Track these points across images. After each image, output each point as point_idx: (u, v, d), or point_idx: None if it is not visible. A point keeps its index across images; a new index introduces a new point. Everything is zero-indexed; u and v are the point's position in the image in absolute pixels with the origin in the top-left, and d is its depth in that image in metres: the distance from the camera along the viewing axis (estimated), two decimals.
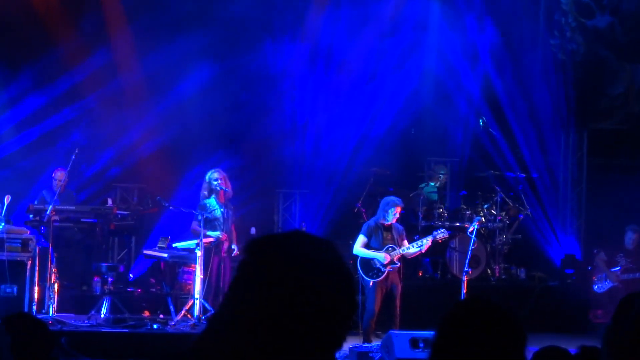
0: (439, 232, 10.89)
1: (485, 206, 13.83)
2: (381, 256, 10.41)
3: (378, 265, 10.44)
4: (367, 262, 10.47)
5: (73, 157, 11.84)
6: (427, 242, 10.61)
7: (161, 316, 11.08)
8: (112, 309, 11.00)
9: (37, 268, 10.72)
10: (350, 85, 14.78)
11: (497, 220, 13.78)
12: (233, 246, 11.37)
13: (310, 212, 14.65)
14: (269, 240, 1.87)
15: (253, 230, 13.01)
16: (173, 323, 10.59)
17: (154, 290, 12.31)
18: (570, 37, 15.36)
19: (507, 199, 14.03)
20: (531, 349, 3.46)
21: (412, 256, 10.82)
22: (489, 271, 13.57)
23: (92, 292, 11.55)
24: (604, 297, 12.86)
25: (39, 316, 9.82)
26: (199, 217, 11.02)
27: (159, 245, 11.45)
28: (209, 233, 11.08)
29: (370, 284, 10.40)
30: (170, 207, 11.70)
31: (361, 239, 10.57)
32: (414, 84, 14.91)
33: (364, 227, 10.68)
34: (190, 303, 10.73)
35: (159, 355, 8.62)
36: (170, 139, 14.08)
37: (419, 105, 14.96)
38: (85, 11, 14.07)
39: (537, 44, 15.44)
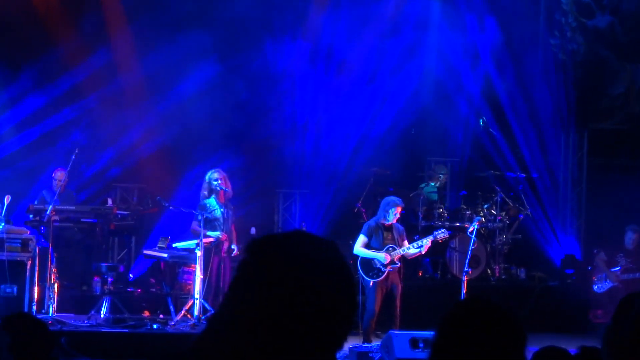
0: (440, 232, 10.89)
1: (485, 206, 13.83)
2: (381, 256, 10.41)
3: (378, 265, 10.44)
4: (368, 262, 10.48)
5: (73, 157, 11.84)
6: (427, 242, 10.61)
7: (161, 316, 11.08)
8: (112, 309, 11.00)
9: (37, 268, 10.72)
10: (350, 85, 14.78)
11: (497, 220, 13.78)
12: (233, 246, 11.37)
13: (310, 212, 14.66)
14: (269, 240, 1.87)
15: (253, 230, 13.01)
16: (173, 323, 10.59)
17: (153, 290, 12.31)
18: (570, 37, 15.36)
19: (507, 199, 14.03)
20: (531, 349, 3.46)
21: (412, 257, 10.82)
22: (489, 271, 13.57)
23: (92, 292, 11.54)
24: (604, 297, 12.86)
25: (39, 316, 9.82)
26: (199, 217, 11.02)
27: (159, 245, 11.45)
28: (209, 233, 11.08)
29: (371, 284, 10.40)
30: (170, 207, 11.69)
31: (361, 239, 10.57)
32: (414, 84, 14.91)
33: (365, 227, 10.68)
34: (190, 303, 10.73)
35: (158, 355, 8.62)
36: (170, 139, 14.09)
37: (419, 105, 14.96)
38: (86, 11, 14.07)
39: (538, 44, 15.44)
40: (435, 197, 14.21)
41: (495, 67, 15.07)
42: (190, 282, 11.06)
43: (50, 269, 10.81)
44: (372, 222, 10.72)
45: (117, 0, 14.13)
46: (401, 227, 10.76)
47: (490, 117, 15.02)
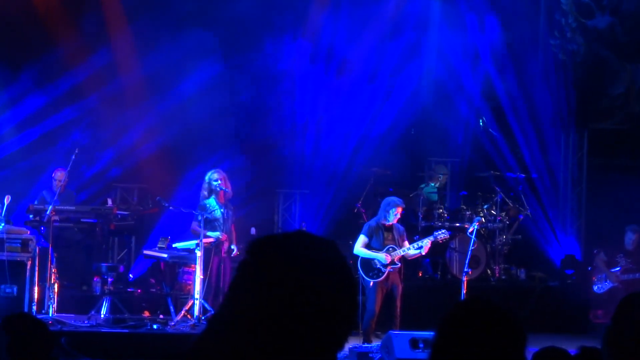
0: (440, 232, 10.89)
1: (485, 206, 13.83)
2: (382, 257, 10.41)
3: (378, 266, 10.44)
4: (368, 263, 10.48)
5: (73, 157, 11.83)
6: (427, 243, 10.60)
7: (161, 316, 11.08)
8: (112, 309, 11.00)
9: (37, 268, 10.71)
10: (350, 85, 14.78)
11: (497, 221, 13.78)
12: (233, 246, 11.37)
13: (311, 212, 14.66)
14: (269, 241, 1.87)
15: (253, 231, 13.01)
16: (173, 323, 10.59)
17: (154, 290, 12.30)
18: (570, 37, 15.36)
19: (507, 200, 14.03)
20: (531, 350, 3.46)
21: (413, 257, 10.82)
22: (489, 271, 13.57)
23: (92, 292, 11.53)
24: (604, 298, 12.86)
25: (39, 316, 9.81)
26: (199, 218, 11.02)
27: (159, 245, 11.45)
28: (209, 233, 11.08)
29: (371, 284, 10.40)
30: (170, 208, 11.69)
31: (362, 239, 10.56)
32: (414, 84, 14.92)
33: (365, 227, 10.68)
34: (190, 303, 10.73)
35: (159, 356, 8.63)
36: (171, 139, 14.08)
37: (420, 105, 14.97)
38: (86, 11, 14.07)
39: (538, 44, 15.44)
40: (435, 197, 14.21)
41: (495, 67, 15.08)
42: (190, 282, 11.06)
43: (50, 269, 10.81)
44: (372, 222, 10.71)
45: (117, 0, 14.13)
46: (402, 228, 10.76)
47: (490, 118, 15.02)
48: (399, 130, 14.77)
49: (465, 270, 10.69)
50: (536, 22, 15.45)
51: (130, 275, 12.77)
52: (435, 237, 10.76)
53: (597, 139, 15.26)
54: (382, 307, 10.43)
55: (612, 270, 12.99)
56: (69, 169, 11.98)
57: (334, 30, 14.61)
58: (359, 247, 10.53)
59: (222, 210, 11.26)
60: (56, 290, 10.88)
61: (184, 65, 14.10)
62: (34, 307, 10.55)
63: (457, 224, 13.47)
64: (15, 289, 10.54)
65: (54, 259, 11.00)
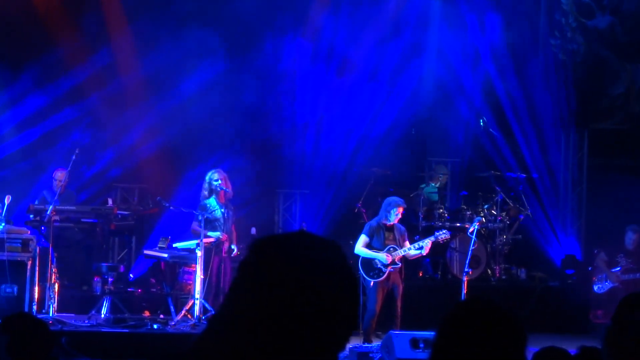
0: (441, 233, 10.89)
1: (486, 206, 13.83)
2: (382, 257, 10.41)
3: (379, 266, 10.44)
4: (369, 262, 10.48)
5: (73, 157, 11.83)
6: (428, 243, 10.60)
7: (161, 316, 11.08)
8: (112, 309, 11.00)
9: (37, 268, 10.71)
10: (351, 85, 14.78)
11: (498, 221, 13.78)
12: (233, 246, 11.37)
13: (311, 212, 14.66)
14: (270, 241, 1.87)
15: (253, 231, 13.01)
16: (173, 323, 10.59)
17: (154, 290, 12.31)
18: (570, 37, 15.36)
19: (507, 200, 14.03)
20: (531, 350, 3.46)
21: (414, 258, 10.82)
22: (489, 271, 13.57)
23: (92, 292, 11.54)
24: (604, 298, 12.84)
25: (39, 316, 9.82)
26: (200, 218, 11.02)
27: (159, 245, 11.45)
28: (209, 233, 11.08)
29: (371, 284, 10.40)
30: (171, 208, 11.69)
31: (363, 238, 10.56)
32: (414, 83, 14.91)
33: (366, 227, 10.68)
34: (190, 303, 10.73)
35: (159, 356, 8.61)
36: (171, 139, 14.08)
37: (420, 105, 14.96)
38: (86, 11, 14.07)
39: (538, 44, 15.44)
40: (435, 197, 14.21)
41: (496, 67, 15.08)
42: (191, 282, 11.06)
43: (51, 269, 10.81)
44: (373, 222, 10.72)
45: (117, 0, 14.13)
46: (403, 228, 10.76)
47: (491, 118, 15.01)
48: (400, 130, 14.77)
49: (466, 270, 10.69)
50: (536, 22, 15.45)
51: (131, 275, 12.77)
52: (436, 238, 10.76)
53: (597, 139, 15.26)
54: (382, 307, 10.43)
55: (613, 270, 12.99)
56: (69, 169, 11.98)
57: (335, 30, 14.61)
58: (360, 247, 10.53)
59: (222, 210, 11.26)
60: (56, 290, 10.88)
61: (184, 65, 14.10)
62: (34, 307, 10.56)
63: (458, 224, 13.47)
64: (15, 289, 10.54)
65: (55, 259, 11.00)
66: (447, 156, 15.41)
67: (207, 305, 10.63)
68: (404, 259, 10.57)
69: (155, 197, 12.19)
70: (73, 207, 12.20)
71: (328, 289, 1.79)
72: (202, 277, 10.74)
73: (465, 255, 11.23)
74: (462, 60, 15.12)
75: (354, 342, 10.13)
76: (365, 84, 14.78)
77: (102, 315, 10.86)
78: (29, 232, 11.00)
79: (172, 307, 10.92)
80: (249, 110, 14.38)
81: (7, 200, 11.04)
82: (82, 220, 12.14)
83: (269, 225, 14.29)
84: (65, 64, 13.92)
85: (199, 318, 10.54)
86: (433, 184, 14.46)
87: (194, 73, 14.17)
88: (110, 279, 11.28)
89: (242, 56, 14.37)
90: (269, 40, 14.48)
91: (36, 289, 10.68)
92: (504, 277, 13.76)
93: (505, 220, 13.92)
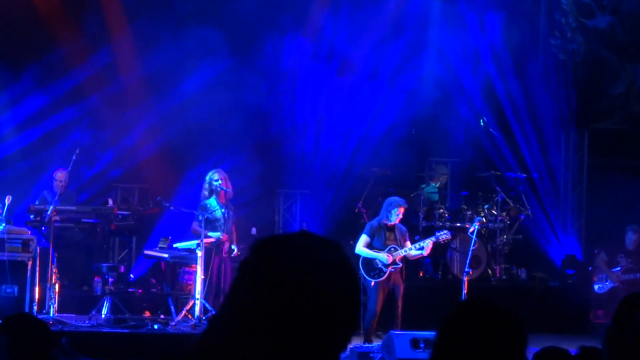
0: (442, 233, 10.89)
1: (486, 206, 13.83)
2: (383, 257, 10.41)
3: (380, 266, 10.44)
4: (369, 262, 10.48)
5: (74, 157, 11.82)
6: (429, 243, 10.60)
7: (162, 316, 11.08)
8: (112, 309, 11.00)
9: (37, 268, 10.71)
10: (351, 85, 14.78)
11: (498, 221, 13.78)
12: (233, 246, 11.37)
13: (311, 212, 14.66)
14: (271, 241, 1.87)
15: (254, 231, 13.01)
16: (174, 323, 10.59)
17: (154, 290, 12.31)
18: (570, 37, 15.36)
19: (507, 200, 14.03)
20: (532, 350, 3.46)
21: (415, 258, 10.82)
22: (489, 271, 13.57)
23: (92, 293, 11.54)
24: (604, 298, 12.85)
25: (40, 316, 9.81)
26: (200, 218, 11.02)
27: (159, 245, 11.45)
28: (209, 234, 11.08)
29: (372, 284, 10.40)
30: (171, 208, 11.69)
31: (364, 238, 10.57)
32: (414, 83, 14.92)
33: (367, 227, 10.68)
34: (190, 303, 10.73)
35: (159, 356, 8.63)
36: (171, 139, 14.09)
37: (420, 105, 14.96)
38: (86, 11, 14.07)
39: (538, 44, 15.44)
40: (436, 197, 14.21)
41: (496, 67, 15.08)
42: (191, 282, 11.06)
43: (51, 269, 10.81)
44: (374, 222, 10.72)
45: (118, 0, 14.14)
46: (404, 228, 10.76)
47: (491, 118, 15.01)
48: (400, 130, 14.77)
49: (466, 270, 10.69)
50: (536, 22, 15.45)
51: (131, 275, 12.77)
52: (437, 238, 10.76)
53: (597, 139, 15.26)
54: (383, 307, 10.43)
55: (613, 270, 12.99)
56: (69, 169, 11.98)
57: (335, 30, 14.62)
58: (361, 247, 10.53)
59: (222, 210, 11.27)
60: (57, 290, 10.88)
61: (184, 65, 14.10)
62: (35, 307, 10.56)
63: (458, 224, 13.47)
64: (16, 289, 10.54)
65: (55, 259, 11.01)
66: (448, 156, 15.41)
67: (207, 305, 10.63)
68: (404, 259, 10.57)
69: (156, 197, 12.18)
70: (73, 207, 12.20)
71: (329, 289, 1.79)
72: (202, 277, 10.74)
73: (465, 255, 11.23)
74: (462, 60, 15.12)
75: (355, 342, 10.12)
76: (366, 83, 14.78)
77: (103, 316, 10.86)
78: (29, 233, 10.99)
79: (172, 308, 10.92)
80: (249, 110, 14.38)
81: (8, 200, 11.05)
82: (83, 220, 12.14)
83: (269, 226, 14.29)
84: (66, 64, 13.92)
85: (199, 318, 10.54)
86: (433, 184, 14.47)
87: (194, 73, 14.17)
88: (110, 279, 11.27)
89: (242, 56, 14.37)
90: (269, 40, 14.47)
91: (37, 289, 10.68)
92: (504, 277, 13.76)
93: (506, 220, 13.92)
